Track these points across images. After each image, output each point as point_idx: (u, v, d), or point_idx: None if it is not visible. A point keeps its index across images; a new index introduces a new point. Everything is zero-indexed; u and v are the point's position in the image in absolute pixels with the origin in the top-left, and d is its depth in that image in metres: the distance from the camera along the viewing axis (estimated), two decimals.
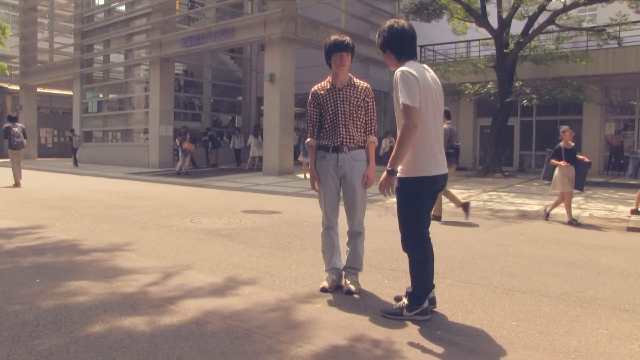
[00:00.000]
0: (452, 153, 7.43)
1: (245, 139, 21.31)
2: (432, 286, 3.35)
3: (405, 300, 3.28)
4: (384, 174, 3.12)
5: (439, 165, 3.19)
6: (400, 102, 3.01)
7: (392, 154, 3.07)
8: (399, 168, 3.17)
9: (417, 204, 3.19)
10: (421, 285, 3.22)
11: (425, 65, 3.26)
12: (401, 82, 3.02)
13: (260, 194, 12.13)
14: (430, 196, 3.26)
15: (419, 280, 3.22)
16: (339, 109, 3.81)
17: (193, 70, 25.32)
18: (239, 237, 6.09)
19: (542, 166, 12.86)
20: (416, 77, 3.03)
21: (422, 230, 3.24)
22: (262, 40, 17.84)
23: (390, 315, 3.28)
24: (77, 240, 5.78)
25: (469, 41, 21.26)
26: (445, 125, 7.28)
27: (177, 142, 18.26)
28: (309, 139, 3.91)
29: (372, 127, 3.94)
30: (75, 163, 21.58)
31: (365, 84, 3.95)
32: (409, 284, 3.34)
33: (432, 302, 3.37)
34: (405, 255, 3.33)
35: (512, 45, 16.03)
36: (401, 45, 3.20)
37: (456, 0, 15.79)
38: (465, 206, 7.79)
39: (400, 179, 3.20)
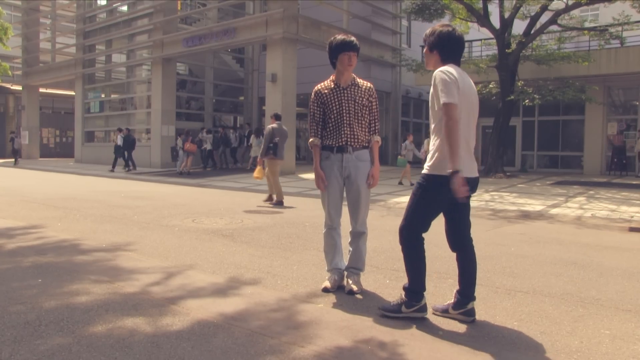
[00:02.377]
0: (271, 147, 9.38)
1: (214, 139, 20.39)
2: (423, 288, 3.28)
3: (402, 297, 3.28)
4: (452, 178, 2.98)
5: (469, 168, 3.15)
6: (442, 101, 3.01)
7: (449, 155, 3.02)
8: (429, 165, 3.15)
9: (434, 202, 3.17)
10: (417, 280, 3.23)
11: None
12: (441, 81, 3.03)
13: (262, 194, 12.10)
14: (446, 200, 3.14)
15: (415, 274, 3.24)
16: (344, 108, 3.80)
17: (195, 71, 25.34)
18: (241, 237, 6.09)
19: (544, 166, 12.69)
20: (455, 78, 3.05)
21: (422, 229, 3.24)
22: (264, 40, 17.87)
23: (389, 313, 3.28)
24: (79, 240, 5.79)
25: (471, 41, 21.22)
26: (273, 124, 9.57)
27: (180, 142, 18.29)
28: (312, 139, 3.89)
29: (376, 127, 3.95)
30: (16, 161, 23.46)
31: (369, 84, 3.96)
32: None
33: (472, 313, 3.27)
34: None
35: (514, 45, 16.01)
36: (451, 52, 3.23)
37: (458, 0, 15.78)
38: (272, 199, 9.56)
39: (428, 176, 3.16)
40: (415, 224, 3.22)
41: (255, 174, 9.45)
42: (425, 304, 3.26)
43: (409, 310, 3.23)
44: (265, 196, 10.08)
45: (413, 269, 3.25)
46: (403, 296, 3.28)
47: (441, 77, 3.05)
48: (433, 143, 3.20)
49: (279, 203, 9.47)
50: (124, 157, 19.27)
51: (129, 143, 19.41)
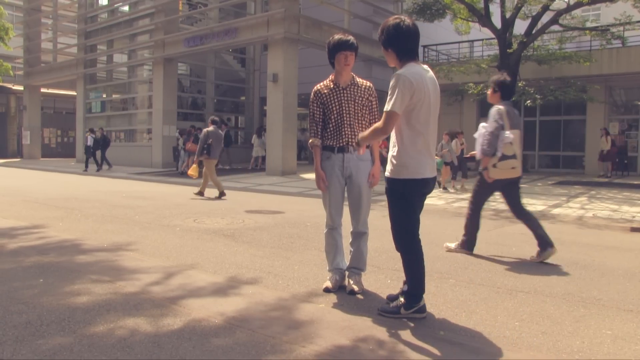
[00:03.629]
0: (205, 148, 10.58)
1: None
2: (422, 290, 3.34)
3: (401, 299, 3.29)
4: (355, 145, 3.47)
5: (429, 168, 3.22)
6: (385, 107, 3.07)
7: (366, 135, 3.31)
8: (389, 169, 3.23)
9: (407, 204, 3.24)
10: (417, 284, 3.25)
11: (425, 66, 3.22)
12: (397, 87, 3.03)
13: (263, 194, 12.14)
14: (420, 197, 3.30)
15: (415, 278, 3.26)
16: (344, 108, 3.80)
17: (196, 71, 25.35)
18: (242, 237, 6.09)
19: (545, 166, 12.41)
20: (412, 84, 3.03)
21: (413, 230, 3.27)
22: (265, 40, 17.86)
23: (388, 314, 3.29)
24: (80, 240, 5.79)
25: (472, 41, 21.23)
26: (209, 128, 10.81)
27: (181, 142, 18.29)
28: (312, 139, 3.89)
29: None
30: None
31: (368, 83, 3.95)
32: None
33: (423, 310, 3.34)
34: None
35: (515, 45, 15.98)
36: (405, 46, 3.16)
37: (459, 0, 15.76)
38: (202, 194, 10.80)
39: (391, 180, 3.24)
40: (403, 229, 3.26)
41: (190, 171, 11.15)
42: (424, 305, 3.28)
43: (408, 312, 3.25)
44: (217, 193, 10.88)
45: (412, 273, 3.27)
46: (402, 299, 3.29)
47: (397, 83, 3.03)
48: (393, 145, 3.25)
49: (221, 194, 10.70)
50: (95, 157, 19.48)
51: (104, 143, 19.76)
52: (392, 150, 3.24)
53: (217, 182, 10.75)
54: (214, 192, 10.84)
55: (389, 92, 3.07)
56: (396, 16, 3.26)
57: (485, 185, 5.29)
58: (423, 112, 3.12)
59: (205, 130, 10.91)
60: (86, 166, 19.49)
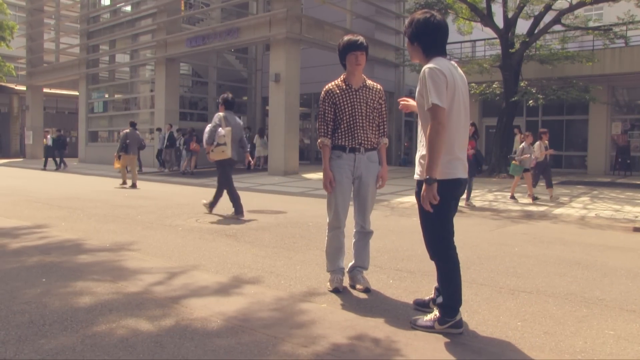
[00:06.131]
0: (124, 147, 12.76)
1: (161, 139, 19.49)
2: (459, 302, 3.06)
3: (436, 312, 3.07)
4: (424, 185, 2.86)
5: (462, 168, 3.03)
6: (430, 102, 2.83)
7: (427, 161, 2.86)
8: (419, 171, 3.02)
9: (441, 209, 2.94)
10: (452, 295, 3.01)
11: (453, 63, 3.09)
12: (429, 80, 2.84)
13: (265, 193, 12.14)
14: (454, 200, 3.07)
15: (450, 289, 3.02)
16: (356, 110, 3.80)
17: (198, 70, 25.38)
18: (244, 237, 6.10)
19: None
20: (445, 75, 2.87)
21: (448, 236, 3.05)
22: (267, 40, 17.87)
23: (421, 329, 3.08)
24: (82, 239, 5.80)
25: (475, 41, 21.20)
26: (126, 130, 13.12)
27: (182, 141, 18.31)
28: (322, 138, 3.85)
29: (384, 129, 3.96)
30: None
31: (379, 86, 3.98)
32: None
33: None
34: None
35: (517, 45, 15.98)
36: (433, 41, 3.02)
37: (462, 0, 15.75)
38: (135, 186, 12.80)
39: (420, 182, 3.00)
40: (438, 236, 3.05)
41: (115, 165, 13.18)
42: (461, 319, 3.02)
43: (442, 327, 3.01)
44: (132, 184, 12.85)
45: (447, 283, 3.03)
46: (437, 312, 3.07)
47: (429, 77, 2.85)
48: (422, 145, 3.02)
49: (123, 183, 13.02)
50: (54, 156, 20.43)
51: (60, 143, 20.62)
52: (421, 150, 3.02)
53: (123, 174, 13.11)
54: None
55: (427, 86, 2.86)
56: (425, 10, 3.13)
57: (221, 167, 7.75)
58: (454, 108, 2.95)
59: (124, 131, 13.15)
60: (45, 165, 20.57)
